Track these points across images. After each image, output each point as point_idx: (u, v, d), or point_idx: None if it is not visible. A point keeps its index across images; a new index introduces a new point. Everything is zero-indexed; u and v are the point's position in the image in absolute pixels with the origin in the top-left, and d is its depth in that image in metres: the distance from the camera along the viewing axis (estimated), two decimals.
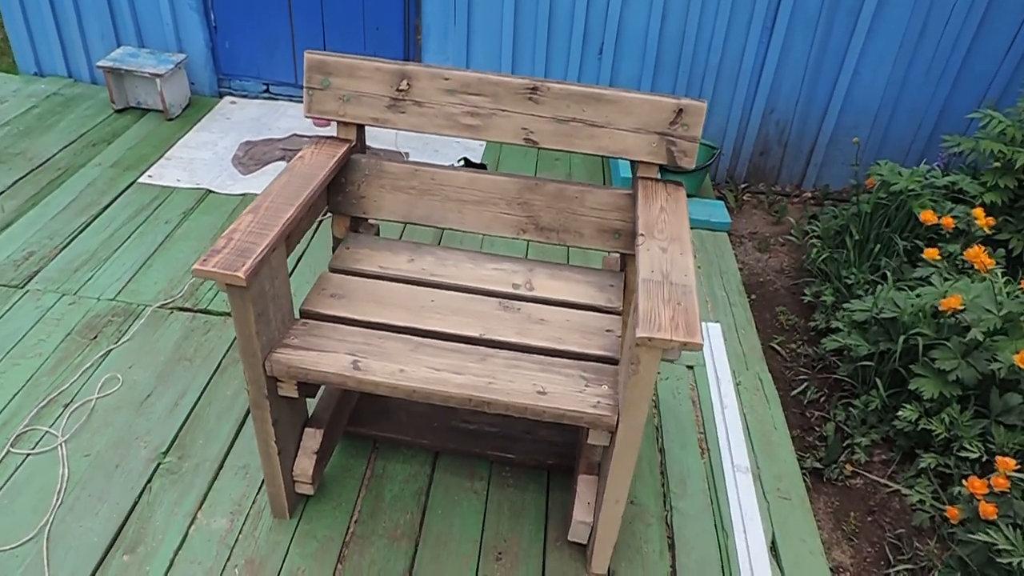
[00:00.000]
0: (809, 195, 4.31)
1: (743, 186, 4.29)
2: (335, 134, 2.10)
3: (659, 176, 2.05)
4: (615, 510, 1.84)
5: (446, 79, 1.99)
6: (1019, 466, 2.02)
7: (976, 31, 3.74)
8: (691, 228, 3.58)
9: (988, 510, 1.90)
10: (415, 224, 2.14)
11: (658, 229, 1.84)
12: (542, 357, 1.83)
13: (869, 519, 2.46)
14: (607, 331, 1.93)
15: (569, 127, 1.99)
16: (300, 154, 2.00)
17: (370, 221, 2.34)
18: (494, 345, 1.87)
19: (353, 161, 2.09)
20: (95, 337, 2.67)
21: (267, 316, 1.73)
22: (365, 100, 2.03)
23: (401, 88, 2.01)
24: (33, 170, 3.58)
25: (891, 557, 2.30)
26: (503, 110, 1.99)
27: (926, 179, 3.12)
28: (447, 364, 1.78)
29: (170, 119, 4.06)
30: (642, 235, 1.81)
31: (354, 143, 2.10)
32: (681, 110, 1.94)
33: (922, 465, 2.37)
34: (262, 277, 1.66)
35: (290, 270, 3.05)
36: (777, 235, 3.89)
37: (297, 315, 1.95)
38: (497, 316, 1.95)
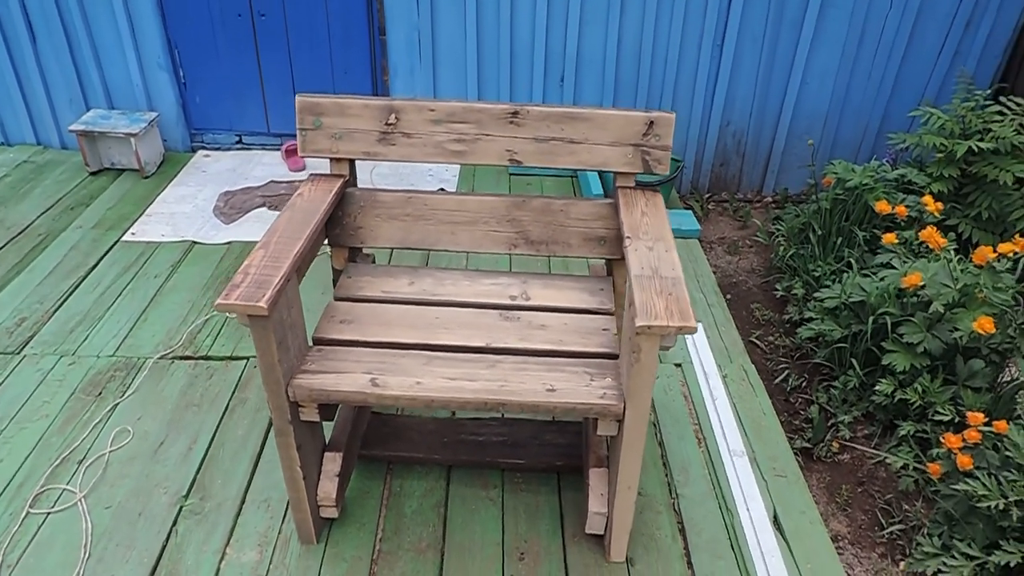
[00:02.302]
0: (770, 199, 4.53)
1: (707, 196, 4.50)
2: (310, 175, 2.20)
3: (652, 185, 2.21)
4: (628, 496, 1.96)
5: (432, 110, 2.13)
6: (995, 422, 2.19)
7: (908, 39, 4.03)
8: None
9: (965, 461, 2.06)
10: (407, 248, 2.26)
11: (642, 231, 1.99)
12: (547, 359, 1.95)
13: (859, 490, 2.61)
14: (603, 330, 2.06)
15: (549, 145, 2.14)
16: (299, 191, 2.11)
17: (364, 251, 2.45)
18: (501, 352, 1.99)
19: (348, 194, 2.21)
20: (100, 393, 2.71)
21: (286, 344, 1.82)
22: (356, 136, 2.15)
23: (390, 122, 2.14)
24: (13, 238, 3.62)
25: (883, 521, 2.45)
26: (487, 135, 2.14)
27: (877, 173, 3.35)
28: (460, 373, 1.89)
29: (146, 177, 4.14)
30: (628, 237, 1.95)
31: (347, 177, 2.22)
32: (652, 122, 2.11)
33: (902, 433, 2.53)
34: (280, 307, 1.76)
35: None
36: (744, 238, 4.09)
37: (311, 343, 2.04)
38: (500, 326, 2.07)
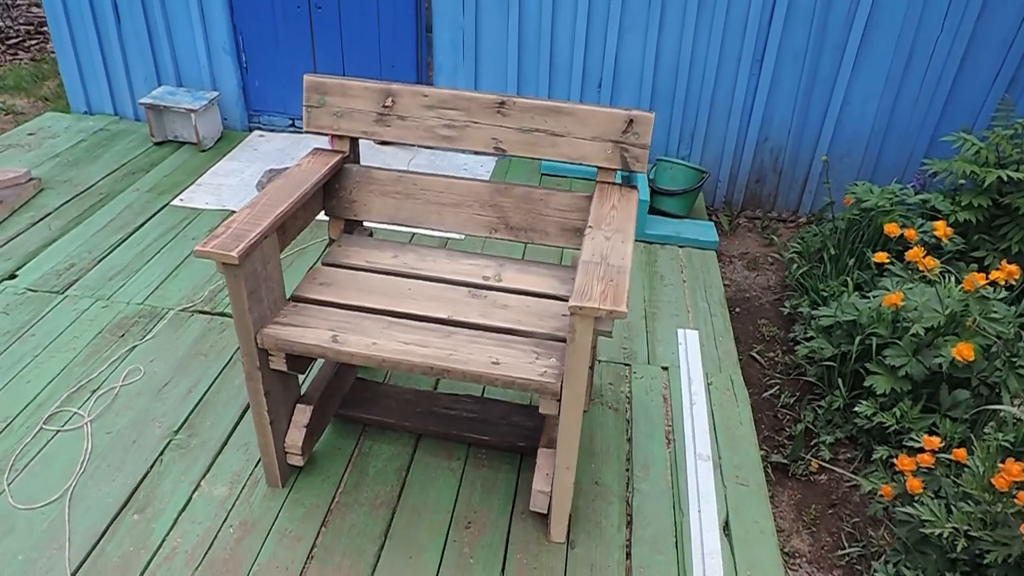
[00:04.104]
0: (804, 220, 4.48)
1: (739, 211, 4.48)
2: (313, 149, 2.37)
3: (628, 184, 2.27)
4: (566, 477, 2.03)
5: (425, 96, 2.27)
6: (955, 450, 2.15)
7: (959, 65, 3.93)
8: (681, 246, 3.79)
9: (915, 484, 2.03)
10: (396, 225, 2.40)
11: (606, 223, 2.06)
12: (501, 335, 2.05)
13: (830, 511, 2.59)
14: (563, 315, 2.15)
15: (533, 136, 2.25)
16: (297, 162, 2.28)
17: (364, 225, 2.61)
18: (459, 325, 2.10)
19: (345, 169, 2.37)
20: (123, 335, 2.97)
21: (259, 295, 1.99)
22: (356, 115, 2.31)
23: (387, 104, 2.29)
24: (78, 195, 3.96)
25: (846, 544, 2.42)
26: (475, 122, 2.26)
27: (897, 196, 3.29)
28: (415, 339, 2.01)
29: (203, 150, 4.45)
30: (590, 227, 2.03)
31: (347, 154, 2.38)
32: (632, 120, 2.18)
33: (875, 457, 2.50)
34: (254, 259, 1.93)
35: (302, 277, 3.35)
36: (766, 255, 4.07)
37: (289, 301, 2.20)
38: (465, 302, 2.18)
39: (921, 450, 2.38)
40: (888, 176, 4.29)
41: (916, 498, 2.09)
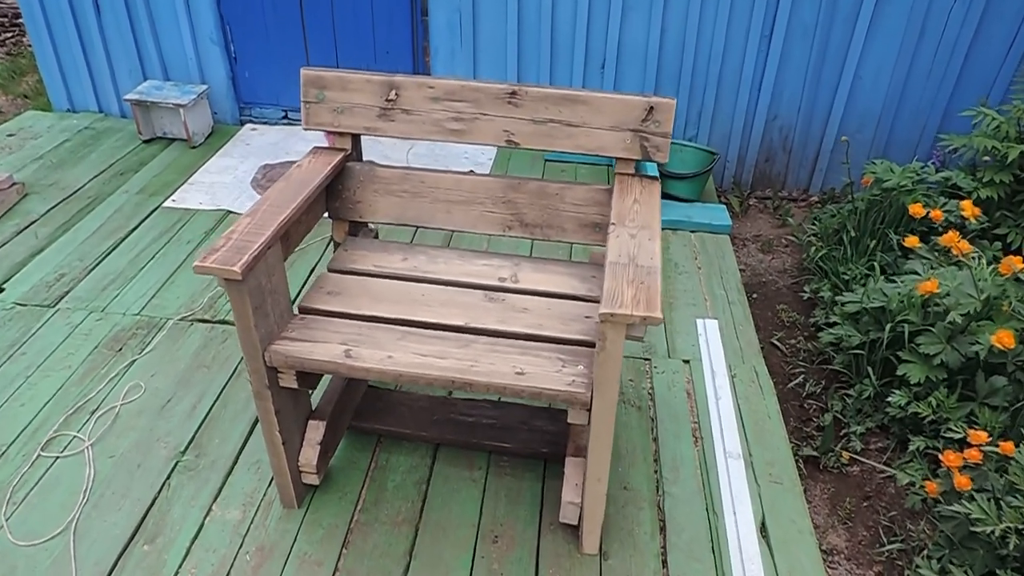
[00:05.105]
0: (816, 199, 4.36)
1: (749, 192, 4.36)
2: (313, 148, 2.24)
3: (650, 174, 2.15)
4: (598, 488, 1.93)
5: (431, 87, 2.13)
6: (1001, 442, 2.06)
7: (974, 35, 3.79)
8: (693, 231, 3.67)
9: (962, 482, 1.94)
10: (403, 225, 2.27)
11: (629, 219, 1.94)
12: (522, 342, 1.94)
13: (865, 504, 2.50)
14: (586, 317, 2.03)
15: (547, 128, 2.11)
16: (298, 163, 2.15)
17: (369, 226, 2.48)
18: (478, 332, 1.98)
19: (348, 168, 2.24)
20: (120, 349, 2.84)
21: (265, 310, 1.86)
22: (357, 111, 2.18)
23: (390, 98, 2.15)
24: (65, 199, 3.81)
25: (884, 539, 2.33)
26: (485, 114, 2.13)
27: (919, 175, 3.17)
28: (432, 350, 1.89)
29: (193, 147, 4.29)
30: (614, 224, 1.91)
31: (349, 152, 2.25)
32: (652, 108, 2.05)
33: (912, 448, 2.41)
34: (258, 272, 1.80)
35: (303, 281, 3.23)
36: (780, 237, 3.95)
37: (296, 312, 2.08)
38: (482, 307, 2.06)
39: (962, 441, 2.29)
40: (901, 152, 4.17)
41: (965, 495, 2.00)
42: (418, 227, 2.26)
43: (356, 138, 2.28)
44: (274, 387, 1.94)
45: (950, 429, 2.29)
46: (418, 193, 2.24)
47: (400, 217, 2.26)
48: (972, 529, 1.96)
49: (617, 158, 2.13)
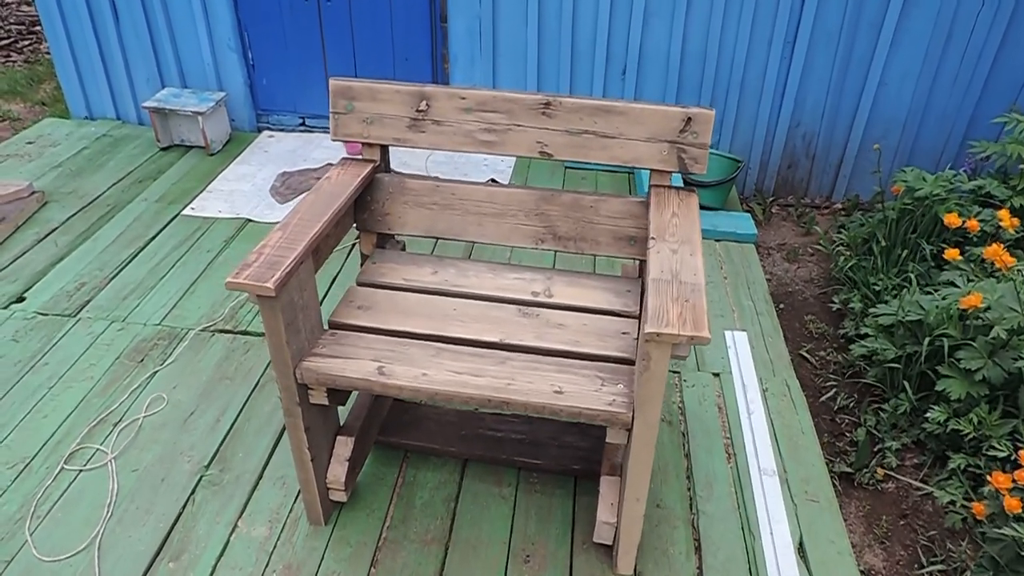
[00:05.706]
0: (839, 206, 4.30)
1: (771, 199, 4.31)
2: (341, 159, 2.21)
3: (673, 184, 2.11)
4: (636, 509, 1.88)
5: (463, 98, 2.09)
6: None
7: (1001, 40, 3.73)
8: (718, 240, 3.62)
9: (1012, 504, 1.88)
10: (433, 237, 2.23)
11: (669, 233, 1.89)
12: (560, 359, 1.89)
13: (902, 522, 2.44)
14: (623, 333, 1.98)
15: (582, 139, 2.07)
16: (327, 175, 2.11)
17: (396, 238, 2.44)
18: (513, 349, 1.94)
19: (377, 180, 2.20)
20: (142, 360, 2.81)
21: (296, 326, 1.82)
22: (387, 121, 2.14)
23: (421, 108, 2.11)
24: (84, 207, 3.79)
25: (924, 559, 2.28)
26: (518, 125, 2.08)
27: (951, 184, 3.11)
28: (467, 367, 1.85)
29: (212, 154, 4.27)
30: (653, 239, 1.87)
31: (378, 163, 2.21)
32: (690, 119, 2.01)
33: (952, 466, 2.35)
34: (291, 288, 1.76)
35: (325, 291, 3.19)
36: (806, 246, 3.90)
37: (326, 327, 2.04)
38: (516, 322, 2.02)
39: (1006, 460, 2.23)
40: (926, 159, 4.11)
41: (1015, 517, 1.94)
42: (446, 239, 2.21)
43: (385, 149, 2.25)
44: (304, 404, 1.90)
45: (992, 447, 2.23)
46: (448, 205, 2.20)
47: (430, 229, 2.22)
48: (1020, 552, 1.91)
49: (652, 169, 2.08)
